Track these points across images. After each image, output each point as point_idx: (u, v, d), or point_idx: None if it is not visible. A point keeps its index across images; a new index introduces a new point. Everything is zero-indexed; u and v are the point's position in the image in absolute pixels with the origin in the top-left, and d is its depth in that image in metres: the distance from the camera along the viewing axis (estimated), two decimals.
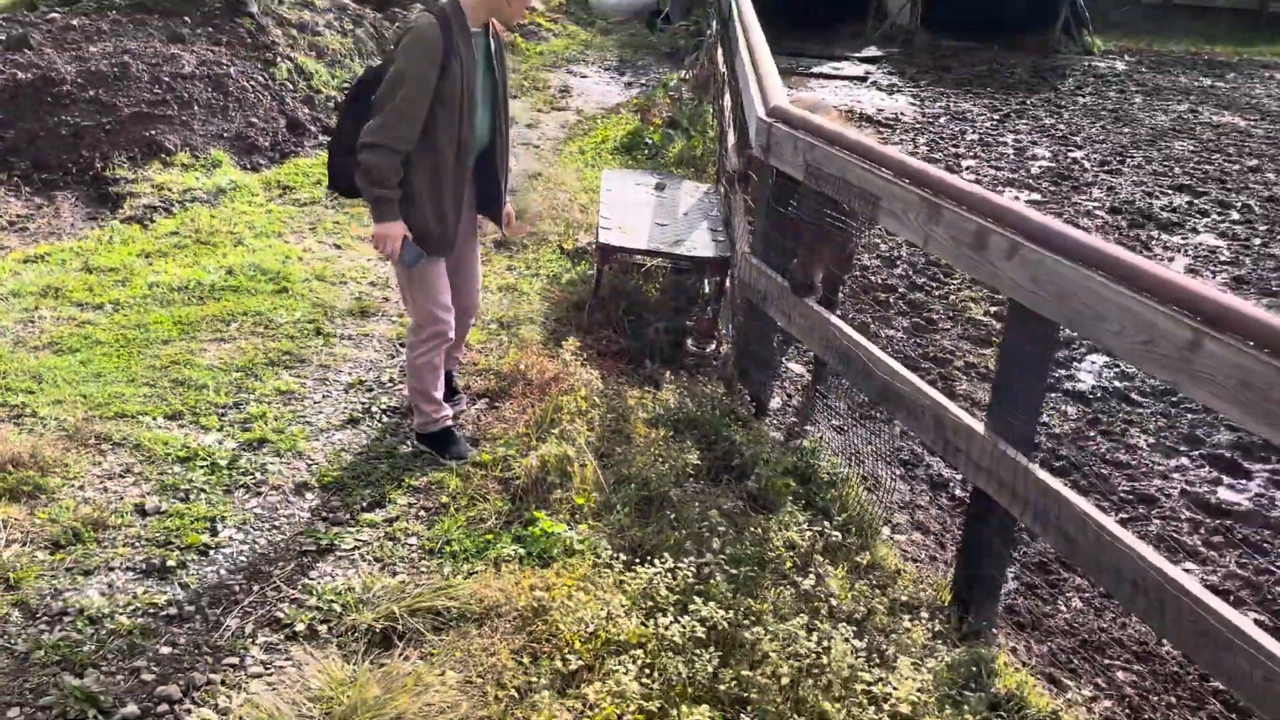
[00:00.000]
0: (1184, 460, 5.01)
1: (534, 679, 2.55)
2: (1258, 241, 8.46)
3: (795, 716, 2.47)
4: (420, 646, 2.76)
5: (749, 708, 2.48)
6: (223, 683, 2.65)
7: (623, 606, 2.80)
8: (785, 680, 2.57)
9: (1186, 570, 4.17)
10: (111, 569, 3.12)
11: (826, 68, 14.47)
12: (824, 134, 4.27)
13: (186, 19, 8.67)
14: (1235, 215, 9.19)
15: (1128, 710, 3.47)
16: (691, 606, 2.83)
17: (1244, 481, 4.88)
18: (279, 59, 8.62)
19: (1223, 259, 7.99)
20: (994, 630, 3.57)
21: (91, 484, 3.52)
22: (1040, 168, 10.28)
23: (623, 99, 11.53)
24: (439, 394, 3.90)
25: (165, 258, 5.65)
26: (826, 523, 3.58)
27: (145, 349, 4.55)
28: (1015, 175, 9.98)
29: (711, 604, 2.84)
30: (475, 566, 3.14)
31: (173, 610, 2.95)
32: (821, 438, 4.58)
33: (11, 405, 4.02)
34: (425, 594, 2.93)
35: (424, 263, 3.61)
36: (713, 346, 5.44)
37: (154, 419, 3.98)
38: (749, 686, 2.54)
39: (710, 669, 2.57)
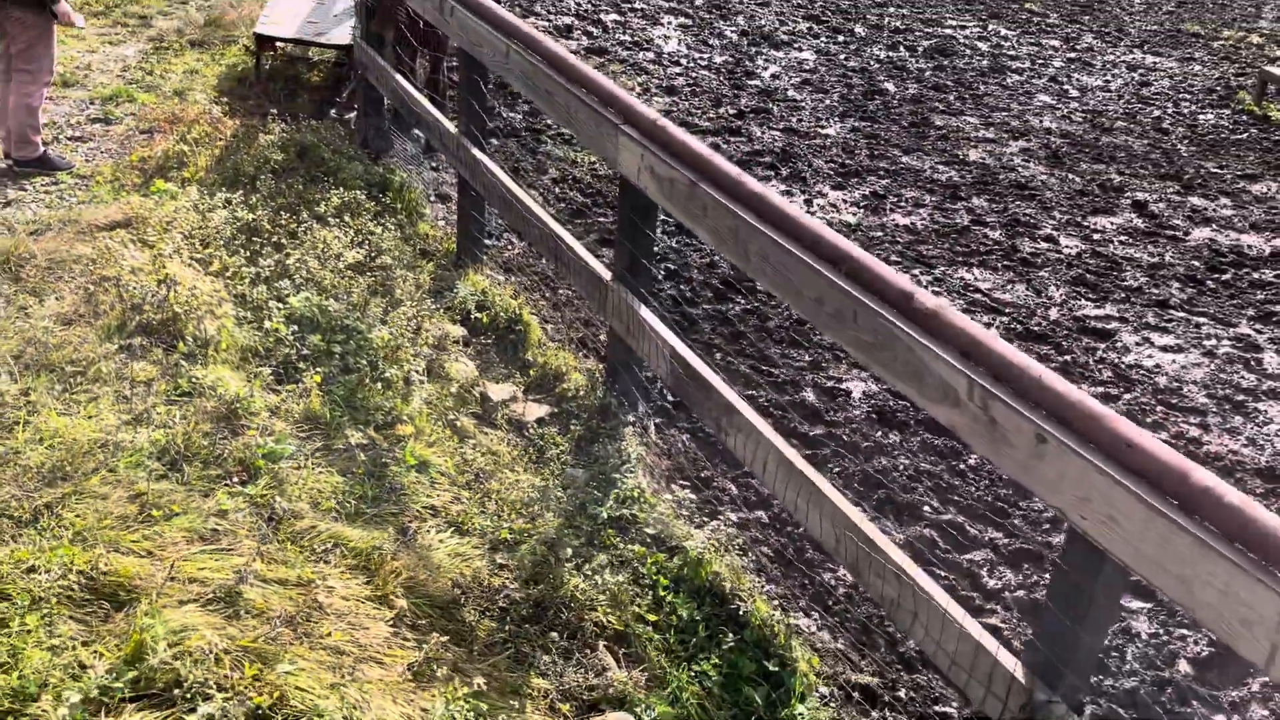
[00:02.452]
0: None
1: (123, 238, 4.50)
2: (843, 56, 10.85)
3: (276, 255, 4.53)
4: (61, 235, 4.65)
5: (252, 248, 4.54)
6: None
7: (190, 214, 4.77)
8: (275, 241, 4.62)
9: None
10: None
11: None
12: None
13: None
14: (841, 38, 11.56)
15: (550, 307, 5.70)
16: (238, 215, 4.83)
17: None
18: None
19: (806, 67, 10.33)
20: (480, 266, 5.71)
21: None
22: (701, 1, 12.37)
23: None
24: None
25: None
26: (362, 194, 5.58)
27: None
28: (680, 6, 12.04)
29: (249, 213, 4.84)
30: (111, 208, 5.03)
31: None
32: (402, 165, 6.59)
33: None
34: (73, 214, 4.83)
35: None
36: (353, 115, 7.32)
37: None
38: (255, 244, 4.58)
39: (230, 234, 4.59)
